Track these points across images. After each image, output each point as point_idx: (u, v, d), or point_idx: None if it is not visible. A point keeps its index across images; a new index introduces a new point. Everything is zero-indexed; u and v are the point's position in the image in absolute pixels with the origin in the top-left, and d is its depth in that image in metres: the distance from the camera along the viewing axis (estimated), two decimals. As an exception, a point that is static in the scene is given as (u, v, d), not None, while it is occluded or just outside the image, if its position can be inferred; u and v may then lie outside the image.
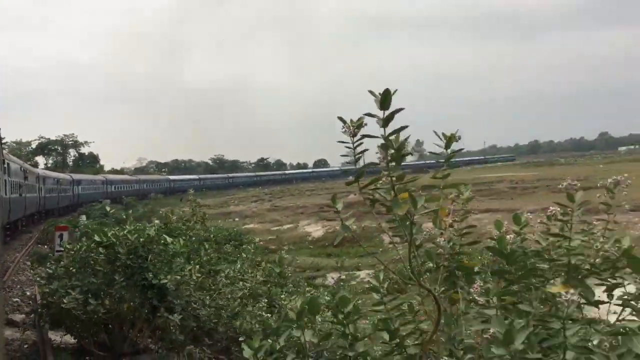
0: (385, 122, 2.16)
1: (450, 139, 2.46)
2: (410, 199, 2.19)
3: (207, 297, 6.95)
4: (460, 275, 2.71)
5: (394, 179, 2.20)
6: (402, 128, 2.19)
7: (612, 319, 2.21)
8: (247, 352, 2.98)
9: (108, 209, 17.71)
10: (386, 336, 3.13)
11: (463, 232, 2.87)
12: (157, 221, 7.60)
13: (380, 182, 2.29)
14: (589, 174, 54.04)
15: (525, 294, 2.36)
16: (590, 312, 2.23)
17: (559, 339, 1.80)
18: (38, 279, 7.37)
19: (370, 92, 2.20)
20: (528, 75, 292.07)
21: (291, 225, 38.90)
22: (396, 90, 2.18)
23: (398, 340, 2.94)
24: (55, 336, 7.69)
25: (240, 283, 7.40)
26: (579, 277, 2.09)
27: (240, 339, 3.97)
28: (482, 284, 2.66)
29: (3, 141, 22.67)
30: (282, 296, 7.75)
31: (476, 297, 2.45)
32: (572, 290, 1.86)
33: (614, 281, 2.15)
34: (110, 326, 7.04)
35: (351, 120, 2.36)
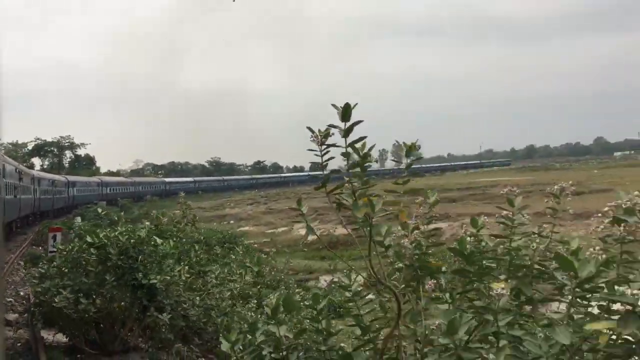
0: (345, 132, 2.36)
1: (410, 148, 2.66)
2: (368, 203, 2.39)
3: (197, 298, 7.13)
4: (425, 274, 2.91)
5: (354, 184, 2.41)
6: (362, 138, 2.40)
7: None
8: (224, 345, 3.18)
9: (100, 210, 17.78)
10: (358, 331, 3.34)
11: (429, 234, 3.09)
12: (147, 223, 7.77)
13: (344, 187, 2.49)
14: (583, 179, 54.41)
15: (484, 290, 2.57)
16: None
17: (492, 328, 2.00)
18: (32, 279, 7.54)
19: (333, 105, 2.40)
20: (525, 80, 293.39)
21: (286, 228, 39.07)
22: (356, 104, 2.38)
23: (369, 336, 3.15)
24: (47, 335, 7.85)
25: (230, 284, 7.57)
26: (520, 274, 2.29)
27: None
28: (445, 282, 2.86)
29: (-1, 143, 22.76)
30: (270, 297, 7.91)
31: (435, 294, 2.64)
32: (502, 285, 2.05)
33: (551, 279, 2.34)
34: (101, 325, 7.21)
35: (319, 130, 2.57)
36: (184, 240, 8.09)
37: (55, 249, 8.03)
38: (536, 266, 2.35)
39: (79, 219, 30.21)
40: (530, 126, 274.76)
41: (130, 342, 7.31)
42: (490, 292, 2.11)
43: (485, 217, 2.99)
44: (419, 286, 2.87)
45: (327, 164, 2.55)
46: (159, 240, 6.79)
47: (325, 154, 2.54)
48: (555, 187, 2.86)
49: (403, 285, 2.75)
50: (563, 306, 2.31)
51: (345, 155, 2.42)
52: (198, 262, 7.57)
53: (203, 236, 10.04)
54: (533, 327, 2.19)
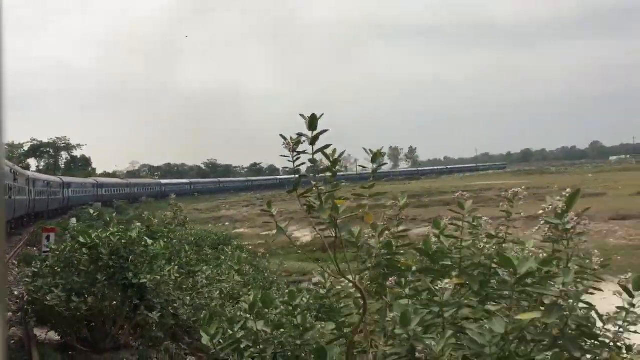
0: (312, 140, 2.57)
1: (376, 155, 2.87)
2: (333, 205, 2.59)
3: (188, 297, 7.31)
4: (392, 272, 3.12)
5: (321, 188, 2.61)
6: (326, 146, 2.61)
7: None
8: (204, 338, 3.39)
9: (92, 211, 17.95)
10: (331, 326, 3.55)
11: (399, 235, 3.30)
12: (138, 224, 7.96)
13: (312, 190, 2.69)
14: (577, 183, 54.78)
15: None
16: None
17: (439, 319, 2.21)
18: (25, 278, 7.71)
19: (301, 115, 2.60)
20: (522, 83, 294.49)
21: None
22: (322, 114, 2.59)
23: (342, 331, 3.36)
24: (40, 333, 8.02)
25: (219, 284, 7.75)
26: (470, 271, 2.49)
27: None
28: (408, 280, 3.06)
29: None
30: (249, 294, 8.08)
31: (396, 290, 2.85)
32: (446, 280, 2.25)
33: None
34: (92, 323, 7.39)
35: (291, 138, 2.78)
36: (175, 241, 8.30)
37: (48, 249, 8.21)
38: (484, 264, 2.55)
39: (74, 220, 30.34)
40: (526, 130, 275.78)
41: (121, 340, 7.49)
42: (434, 287, 2.31)
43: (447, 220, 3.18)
44: (385, 283, 3.08)
45: (299, 168, 2.76)
46: (149, 241, 6.99)
47: (296, 159, 2.75)
48: (510, 191, 3.06)
49: (368, 283, 2.95)
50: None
51: (312, 161, 2.63)
52: (188, 263, 7.76)
53: (194, 237, 10.22)
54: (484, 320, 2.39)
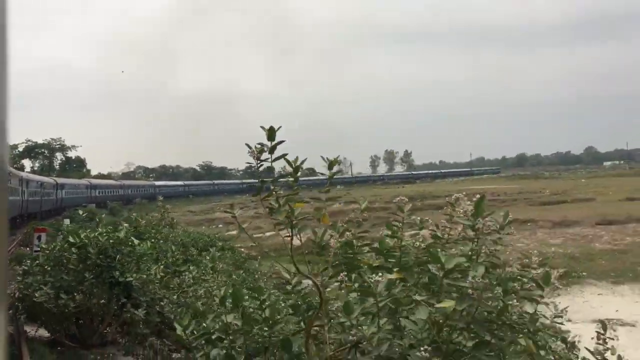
0: (271, 150, 2.88)
1: (332, 163, 3.18)
2: (289, 208, 2.90)
3: (174, 296, 7.60)
4: (351, 269, 3.42)
5: (280, 192, 2.92)
6: (282, 156, 2.92)
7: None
8: (178, 329, 3.68)
9: (81, 212, 18.23)
10: (295, 319, 3.84)
11: (359, 235, 3.60)
12: (126, 225, 8.25)
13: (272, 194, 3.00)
14: (569, 188, 55.31)
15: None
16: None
17: (373, 309, 2.51)
18: (16, 276, 7.96)
19: (262, 127, 2.91)
20: (517, 88, 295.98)
21: (273, 232, 39.39)
22: (280, 127, 2.89)
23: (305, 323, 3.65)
24: (30, 330, 8.26)
25: (204, 283, 8.03)
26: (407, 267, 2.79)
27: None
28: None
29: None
30: (245, 297, 8.37)
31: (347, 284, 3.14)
32: (380, 273, 2.56)
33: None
34: (80, 321, 7.66)
35: (255, 146, 3.09)
36: (162, 241, 8.57)
37: (39, 249, 8.47)
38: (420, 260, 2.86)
39: (67, 220, 30.56)
40: (521, 135, 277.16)
41: (108, 336, 7.76)
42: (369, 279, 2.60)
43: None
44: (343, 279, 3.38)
45: (261, 174, 3.07)
46: (135, 241, 7.27)
47: (259, 167, 3.06)
48: (453, 196, 3.35)
49: (326, 278, 3.25)
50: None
51: (270, 169, 2.94)
52: (174, 263, 8.04)
53: (180, 238, 10.51)
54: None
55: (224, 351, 3.70)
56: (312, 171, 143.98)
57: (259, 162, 3.00)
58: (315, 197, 3.16)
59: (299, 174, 3.08)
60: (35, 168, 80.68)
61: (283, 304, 4.59)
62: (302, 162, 3.18)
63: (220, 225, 49.09)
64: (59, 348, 7.45)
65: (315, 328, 3.22)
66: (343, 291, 3.27)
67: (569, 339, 3.35)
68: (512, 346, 2.52)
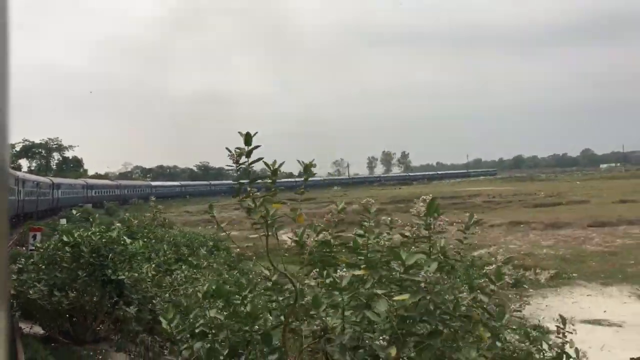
0: (247, 154, 3.08)
1: (307, 167, 3.39)
2: (264, 208, 3.10)
3: (167, 294, 7.78)
4: (326, 266, 3.62)
5: (257, 194, 3.12)
6: (258, 160, 3.13)
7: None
8: (163, 323, 3.89)
9: (74, 212, 18.40)
10: (275, 314, 4.04)
11: (336, 234, 3.80)
12: (118, 224, 8.44)
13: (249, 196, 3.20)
14: (564, 190, 55.61)
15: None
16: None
17: (341, 303, 2.72)
18: (12, 274, 8.15)
19: (239, 132, 3.11)
20: (514, 90, 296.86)
21: (270, 233, 39.60)
22: (256, 132, 3.10)
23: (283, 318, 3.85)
24: (25, 327, 8.44)
25: (195, 282, 8.22)
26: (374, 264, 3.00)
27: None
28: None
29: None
30: (236, 295, 8.57)
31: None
32: (345, 269, 2.76)
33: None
34: (74, 318, 7.84)
35: (235, 150, 3.30)
36: (154, 241, 8.77)
37: (34, 247, 8.66)
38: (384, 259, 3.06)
39: (64, 220, 30.70)
40: (518, 137, 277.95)
41: (101, 333, 7.95)
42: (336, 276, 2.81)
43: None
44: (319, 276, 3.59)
45: (241, 176, 3.27)
46: (128, 240, 7.46)
47: (238, 170, 3.27)
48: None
49: (301, 275, 3.46)
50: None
51: (246, 172, 3.14)
52: (166, 261, 8.23)
53: (172, 237, 10.72)
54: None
55: (208, 345, 3.90)
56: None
57: (237, 165, 3.20)
58: (292, 199, 3.36)
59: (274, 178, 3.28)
60: (33, 168, 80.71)
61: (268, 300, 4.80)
62: (280, 165, 3.38)
63: (216, 226, 49.11)
64: (52, 344, 7.64)
65: (296, 322, 3.43)
66: (318, 286, 3.47)
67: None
68: (468, 336, 2.72)
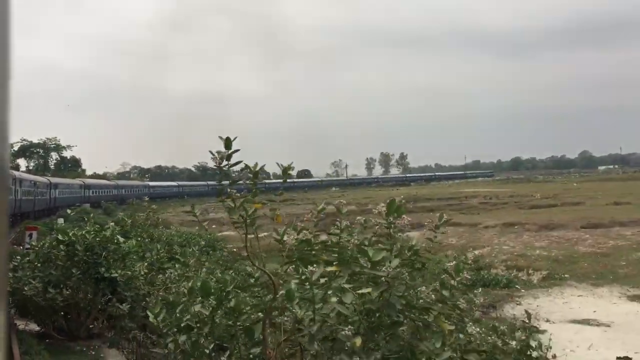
0: (227, 157, 3.28)
1: (285, 170, 3.59)
2: (243, 208, 3.30)
3: (161, 293, 7.97)
4: (304, 263, 3.81)
5: (237, 195, 3.31)
6: (237, 163, 3.32)
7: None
8: (151, 317, 4.08)
9: (69, 211, 18.60)
10: (257, 309, 4.24)
11: (315, 234, 3.99)
12: (112, 223, 8.63)
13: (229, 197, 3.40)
14: (560, 192, 55.81)
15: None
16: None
17: (311, 296, 2.91)
18: (8, 272, 8.33)
19: (220, 137, 3.31)
20: (513, 93, 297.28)
21: (266, 233, 39.80)
22: (236, 137, 3.29)
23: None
24: (21, 324, 8.63)
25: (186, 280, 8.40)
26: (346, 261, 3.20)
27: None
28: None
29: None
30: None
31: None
32: (315, 265, 2.96)
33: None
34: (69, 315, 8.03)
35: (218, 152, 3.49)
36: (147, 240, 8.95)
37: (30, 246, 8.84)
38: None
39: (61, 220, 30.86)
40: (517, 139, 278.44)
41: (95, 330, 8.13)
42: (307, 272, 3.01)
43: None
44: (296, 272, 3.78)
45: (223, 177, 3.47)
46: (121, 239, 7.65)
47: (219, 172, 3.46)
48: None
49: (279, 271, 3.65)
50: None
51: (226, 175, 3.34)
52: (158, 260, 8.40)
53: (165, 236, 10.91)
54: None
55: (193, 338, 4.09)
56: (307, 173, 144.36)
57: (218, 167, 3.39)
58: (271, 199, 3.55)
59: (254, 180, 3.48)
60: (31, 167, 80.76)
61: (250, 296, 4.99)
62: (261, 168, 3.58)
63: (214, 226, 49.38)
64: (47, 340, 7.82)
65: (276, 317, 3.63)
66: (293, 282, 3.67)
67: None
68: (431, 328, 2.91)
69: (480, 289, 17.95)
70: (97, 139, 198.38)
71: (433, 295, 2.91)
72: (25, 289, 7.13)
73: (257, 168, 3.54)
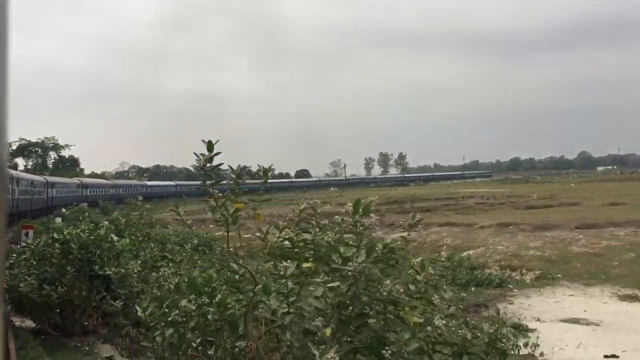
0: (209, 160, 3.47)
1: (266, 171, 3.78)
2: (224, 208, 3.49)
3: (153, 290, 8.15)
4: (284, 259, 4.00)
5: (219, 195, 3.50)
6: (218, 164, 3.52)
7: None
8: (139, 311, 4.27)
9: (64, 210, 18.76)
10: (241, 303, 4.41)
11: (297, 232, 4.17)
12: (106, 222, 8.81)
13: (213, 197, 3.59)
14: (557, 192, 55.97)
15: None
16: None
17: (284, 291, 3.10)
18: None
19: (202, 140, 3.50)
20: (512, 93, 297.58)
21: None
22: (218, 140, 3.49)
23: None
24: (17, 321, 8.80)
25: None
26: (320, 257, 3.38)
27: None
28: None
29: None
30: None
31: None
32: (289, 261, 3.14)
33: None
34: (64, 313, 8.21)
35: (202, 154, 3.68)
36: (141, 238, 9.11)
37: (26, 244, 9.02)
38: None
39: (59, 219, 31.01)
40: (516, 139, 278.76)
41: (89, 326, 8.32)
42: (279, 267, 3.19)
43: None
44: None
45: (207, 179, 3.66)
46: (115, 238, 7.84)
47: (207, 174, 3.66)
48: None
49: (260, 268, 3.84)
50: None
51: (207, 176, 3.53)
52: (152, 258, 8.57)
53: (159, 235, 11.07)
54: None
55: (181, 331, 4.28)
56: (306, 172, 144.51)
57: (202, 169, 3.59)
58: (251, 200, 3.74)
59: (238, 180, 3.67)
60: (29, 167, 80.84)
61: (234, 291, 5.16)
62: (243, 169, 3.78)
63: (212, 226, 49.55)
64: (42, 336, 8.01)
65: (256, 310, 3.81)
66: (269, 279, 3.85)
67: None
68: (399, 319, 3.09)
69: (473, 288, 18.28)
70: (96, 138, 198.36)
71: (401, 289, 3.09)
72: (21, 285, 7.31)
73: (239, 170, 3.74)
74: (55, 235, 7.74)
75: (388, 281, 2.93)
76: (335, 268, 3.16)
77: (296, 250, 3.97)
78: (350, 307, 2.98)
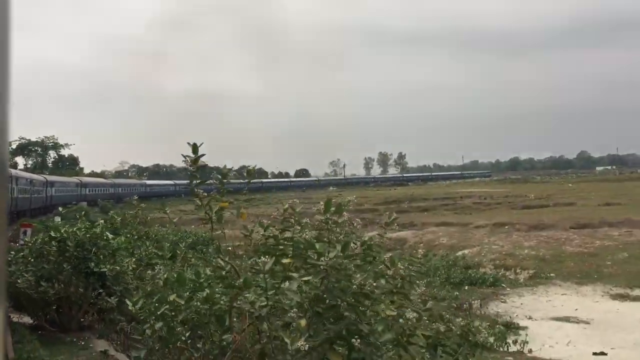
0: (194, 161, 3.68)
1: (250, 172, 3.98)
2: (208, 207, 3.69)
3: (148, 288, 8.36)
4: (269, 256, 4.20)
5: (204, 194, 3.71)
6: (202, 166, 3.72)
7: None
8: (129, 305, 4.47)
9: (60, 209, 18.94)
10: (227, 298, 4.60)
11: (281, 230, 4.37)
12: (102, 221, 9.00)
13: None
14: (554, 192, 56.17)
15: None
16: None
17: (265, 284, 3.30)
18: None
19: (188, 143, 3.70)
20: (512, 93, 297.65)
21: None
22: (202, 143, 3.69)
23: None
24: (15, 317, 9.00)
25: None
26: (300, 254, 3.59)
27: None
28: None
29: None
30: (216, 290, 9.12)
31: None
32: (268, 257, 3.34)
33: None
34: (61, 309, 8.42)
35: (189, 156, 3.88)
36: (136, 237, 9.30)
37: (24, 242, 9.23)
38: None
39: (58, 218, 31.18)
40: (515, 139, 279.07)
41: (85, 322, 8.52)
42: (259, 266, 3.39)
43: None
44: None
45: (196, 180, 3.86)
46: (110, 235, 8.04)
47: (192, 175, 3.86)
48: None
49: (243, 264, 4.04)
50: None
51: (192, 176, 3.73)
52: (147, 256, 8.76)
53: (154, 234, 11.24)
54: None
55: (170, 324, 4.48)
56: (305, 172, 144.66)
57: (190, 170, 3.79)
58: (236, 199, 3.94)
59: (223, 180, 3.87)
60: (29, 166, 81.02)
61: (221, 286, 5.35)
62: (229, 170, 3.98)
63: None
64: (40, 332, 8.21)
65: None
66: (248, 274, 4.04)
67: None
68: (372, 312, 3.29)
69: (467, 287, 18.48)
70: (96, 137, 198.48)
71: (374, 284, 3.29)
72: (19, 281, 7.52)
73: (226, 170, 3.94)
74: (52, 234, 7.95)
75: (358, 275, 3.12)
76: (312, 263, 3.36)
77: (281, 247, 4.18)
78: (326, 300, 3.18)
